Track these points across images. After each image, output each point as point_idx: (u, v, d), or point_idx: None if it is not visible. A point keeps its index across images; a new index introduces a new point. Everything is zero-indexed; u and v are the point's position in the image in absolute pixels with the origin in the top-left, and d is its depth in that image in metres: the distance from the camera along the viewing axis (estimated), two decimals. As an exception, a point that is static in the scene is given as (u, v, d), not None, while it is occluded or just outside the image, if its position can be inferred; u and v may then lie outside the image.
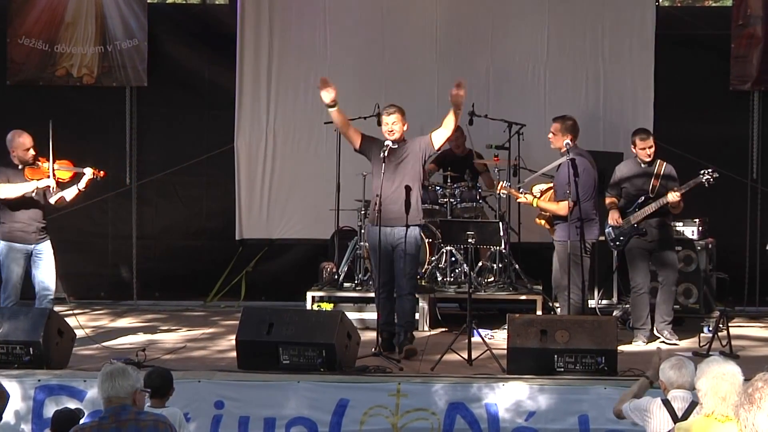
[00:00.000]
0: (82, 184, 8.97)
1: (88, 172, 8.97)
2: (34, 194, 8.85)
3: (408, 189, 8.57)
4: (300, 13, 11.75)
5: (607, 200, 9.37)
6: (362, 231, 10.17)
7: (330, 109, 8.69)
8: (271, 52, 11.71)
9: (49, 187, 8.84)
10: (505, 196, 9.60)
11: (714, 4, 13.43)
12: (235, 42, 11.68)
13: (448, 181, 10.28)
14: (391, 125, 8.62)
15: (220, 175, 11.82)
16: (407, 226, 8.58)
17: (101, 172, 9.00)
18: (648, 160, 9.18)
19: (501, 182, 9.38)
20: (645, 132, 9.33)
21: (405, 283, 8.73)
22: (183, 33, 12.07)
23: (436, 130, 8.69)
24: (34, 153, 8.85)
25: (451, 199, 10.17)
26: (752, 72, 11.32)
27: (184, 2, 14.66)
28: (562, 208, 8.82)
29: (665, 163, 9.26)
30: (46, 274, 8.90)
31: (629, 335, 9.21)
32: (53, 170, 8.80)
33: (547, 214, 9.12)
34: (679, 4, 12.93)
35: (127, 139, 11.85)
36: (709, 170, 9.01)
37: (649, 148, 9.15)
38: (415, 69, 11.53)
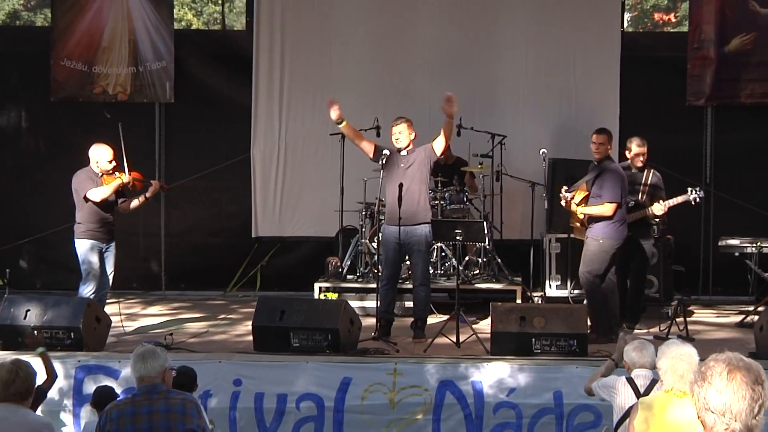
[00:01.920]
0: (148, 193, 8.93)
1: (155, 184, 8.95)
2: (113, 195, 8.72)
3: (417, 191, 8.56)
4: (309, 38, 11.74)
5: None
6: (363, 230, 10.18)
7: (339, 125, 8.66)
8: (283, 72, 11.72)
9: (129, 183, 8.73)
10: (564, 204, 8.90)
11: (672, 30, 13.46)
12: (251, 63, 11.68)
13: (439, 185, 10.27)
14: (398, 134, 8.62)
15: (238, 181, 11.81)
16: (417, 224, 8.58)
17: (167, 186, 8.94)
18: (640, 166, 8.86)
19: (564, 187, 8.79)
20: (642, 139, 8.86)
21: (418, 275, 8.73)
22: (205, 55, 12.08)
23: (436, 139, 8.63)
24: (116, 164, 8.72)
25: (441, 202, 10.15)
26: (705, 90, 11.32)
27: (206, 28, 14.64)
28: (607, 209, 8.38)
29: (653, 171, 8.95)
30: (107, 272, 8.76)
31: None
32: (128, 169, 8.71)
33: (584, 216, 8.59)
34: (641, 30, 12.97)
35: (157, 148, 11.85)
36: (697, 189, 8.67)
37: (643, 155, 8.81)
38: (410, 87, 11.51)
